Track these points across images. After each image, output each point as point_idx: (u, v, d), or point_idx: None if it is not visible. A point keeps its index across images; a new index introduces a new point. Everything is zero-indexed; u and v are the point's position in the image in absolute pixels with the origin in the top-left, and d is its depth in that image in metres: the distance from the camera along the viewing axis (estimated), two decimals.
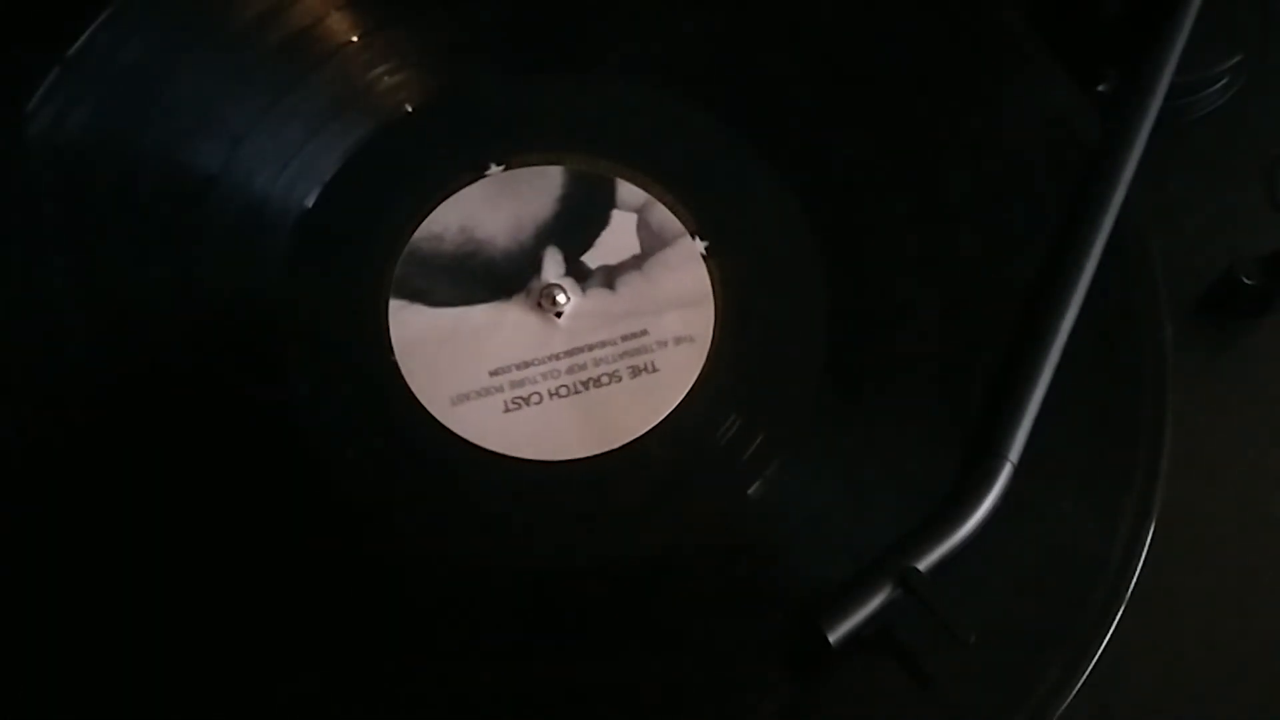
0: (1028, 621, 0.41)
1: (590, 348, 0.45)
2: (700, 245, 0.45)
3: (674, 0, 0.50)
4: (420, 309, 0.45)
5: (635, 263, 0.46)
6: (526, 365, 0.44)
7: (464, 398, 0.44)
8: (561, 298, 0.45)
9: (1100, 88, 0.50)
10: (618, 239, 0.46)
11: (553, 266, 0.46)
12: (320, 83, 0.47)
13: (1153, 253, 0.46)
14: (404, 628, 0.40)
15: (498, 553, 0.42)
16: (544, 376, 0.44)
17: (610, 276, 0.46)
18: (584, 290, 0.46)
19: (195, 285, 0.45)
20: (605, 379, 0.44)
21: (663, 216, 0.46)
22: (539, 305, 0.45)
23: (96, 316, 0.44)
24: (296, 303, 0.45)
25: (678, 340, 0.44)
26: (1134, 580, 0.41)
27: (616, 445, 0.43)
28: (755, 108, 0.48)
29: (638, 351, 0.45)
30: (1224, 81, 0.51)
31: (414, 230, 0.46)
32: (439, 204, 0.46)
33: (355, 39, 0.48)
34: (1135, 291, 0.45)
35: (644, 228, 0.46)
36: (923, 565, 0.40)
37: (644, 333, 0.45)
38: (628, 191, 0.47)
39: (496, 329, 0.45)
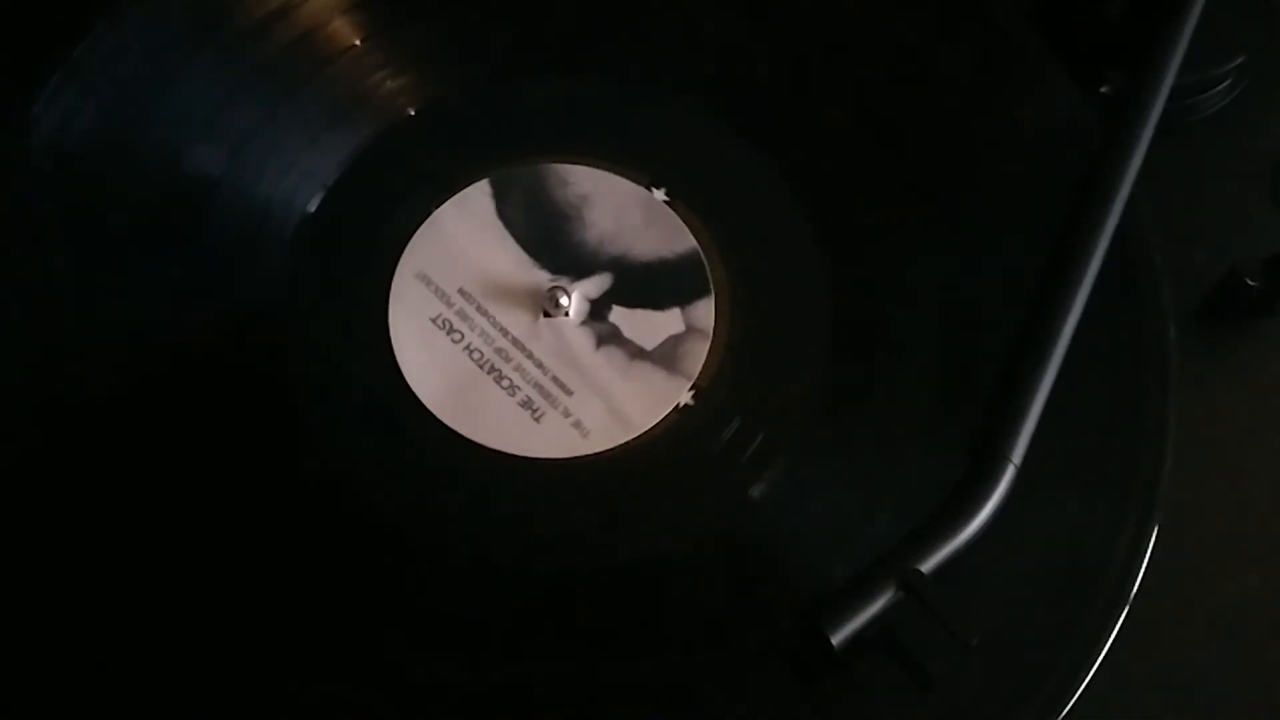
0: (1031, 623, 0.40)
1: (528, 355, 0.45)
2: (688, 396, 0.44)
3: (678, 4, 0.50)
4: (491, 209, 0.46)
5: (634, 352, 0.45)
6: (483, 313, 0.45)
7: (424, 278, 0.45)
8: (564, 301, 0.45)
9: (1103, 89, 0.50)
10: (649, 327, 0.45)
11: (590, 287, 0.46)
12: (323, 86, 0.47)
13: (1156, 254, 0.46)
14: (408, 628, 0.40)
15: (497, 554, 0.42)
16: (480, 334, 0.45)
17: (607, 339, 0.45)
18: (582, 323, 0.46)
19: (198, 289, 0.45)
20: (504, 382, 0.44)
21: (695, 352, 0.45)
22: (544, 297, 0.45)
23: (98, 320, 0.44)
24: (299, 306, 0.45)
25: (575, 424, 0.44)
26: (1137, 582, 0.41)
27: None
28: (757, 112, 0.48)
29: (547, 394, 0.44)
30: (1227, 83, 0.51)
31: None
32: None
33: (358, 43, 0.48)
34: (1138, 293, 0.45)
35: (674, 343, 0.45)
36: (925, 567, 0.40)
37: (568, 392, 0.44)
38: (703, 309, 0.46)
39: (505, 276, 0.45)
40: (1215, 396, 0.47)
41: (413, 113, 0.48)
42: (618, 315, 0.46)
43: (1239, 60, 0.51)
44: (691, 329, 0.45)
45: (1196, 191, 0.50)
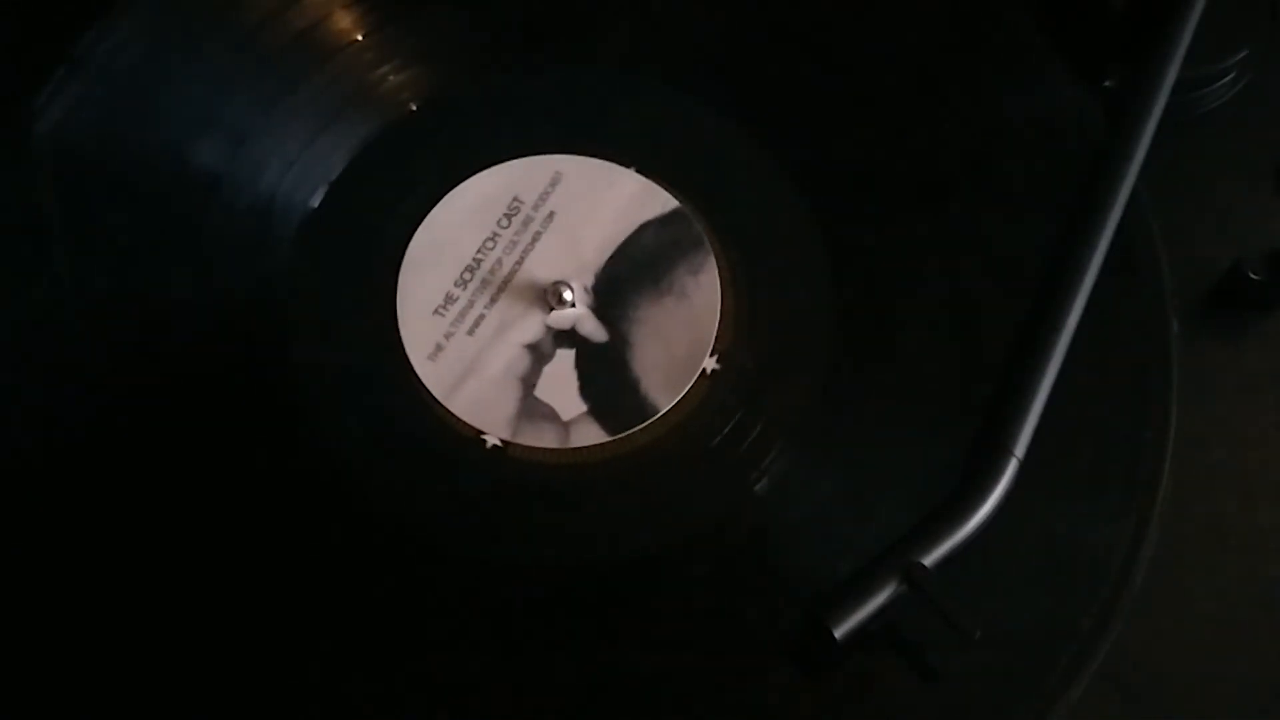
0: (1033, 617, 0.40)
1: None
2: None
3: (682, 2, 0.50)
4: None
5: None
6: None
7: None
8: (568, 294, 0.45)
9: (1106, 83, 0.50)
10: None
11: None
12: (325, 82, 0.47)
13: (1159, 248, 0.46)
14: (413, 625, 0.40)
15: (499, 549, 0.42)
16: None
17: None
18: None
19: (201, 284, 0.45)
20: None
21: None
22: (549, 287, 0.45)
23: (102, 315, 0.44)
24: (302, 301, 0.45)
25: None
26: (1140, 575, 0.41)
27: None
28: (761, 106, 0.48)
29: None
30: (1230, 76, 0.51)
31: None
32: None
33: (359, 38, 0.48)
34: (1141, 286, 0.45)
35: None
36: (928, 561, 0.40)
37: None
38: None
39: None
40: (1218, 390, 0.47)
41: (415, 108, 0.48)
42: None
43: (1242, 54, 0.51)
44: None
45: (1200, 185, 0.50)
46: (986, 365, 0.44)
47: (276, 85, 0.47)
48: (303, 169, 0.46)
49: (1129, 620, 0.40)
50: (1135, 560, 0.41)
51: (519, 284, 0.46)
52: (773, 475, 0.43)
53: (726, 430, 0.44)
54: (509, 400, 0.44)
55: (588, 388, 0.44)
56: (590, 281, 0.46)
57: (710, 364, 0.44)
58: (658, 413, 0.44)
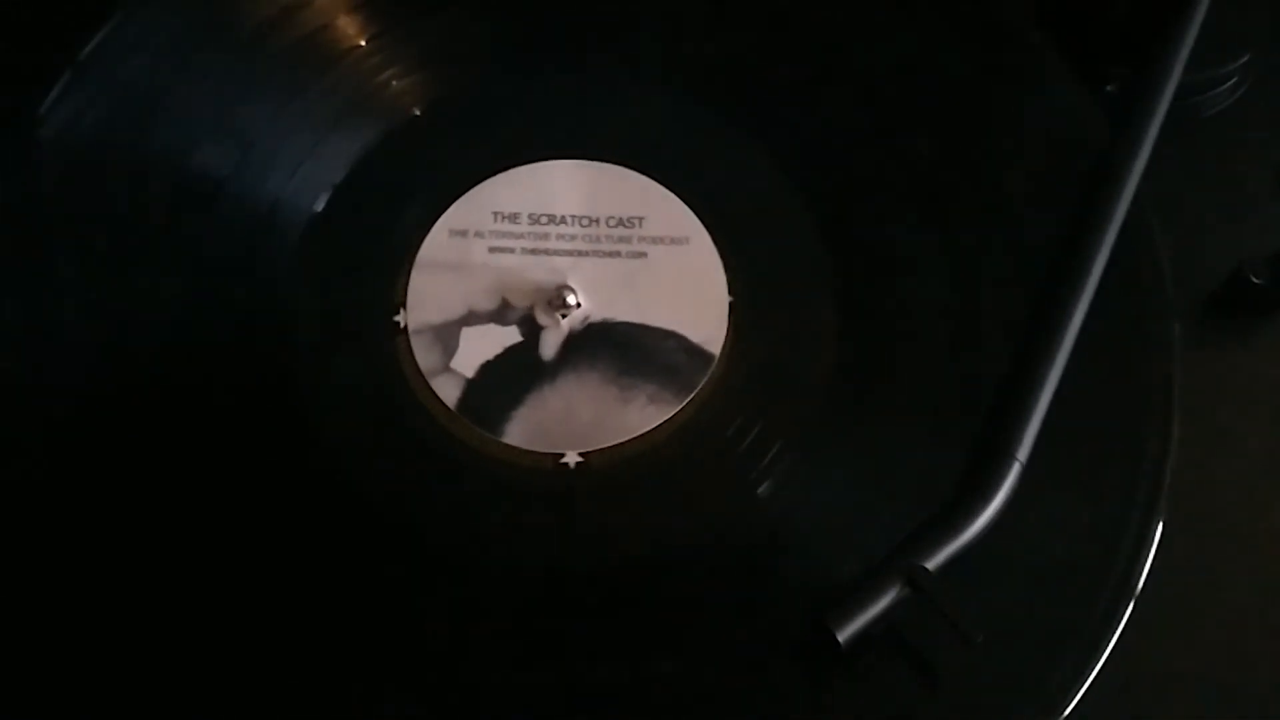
0: (1036, 620, 0.40)
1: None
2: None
3: (684, 5, 0.50)
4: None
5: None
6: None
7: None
8: (571, 299, 0.45)
9: (1109, 88, 0.50)
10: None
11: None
12: (329, 87, 0.47)
13: (1161, 252, 0.46)
14: (415, 626, 0.40)
15: (506, 553, 0.42)
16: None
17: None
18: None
19: (205, 288, 0.45)
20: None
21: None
22: (553, 292, 0.45)
23: (107, 318, 0.44)
24: (306, 306, 0.45)
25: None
26: (1142, 579, 0.41)
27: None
28: (763, 110, 0.49)
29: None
30: (1233, 81, 0.51)
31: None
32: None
33: (363, 43, 0.48)
34: (1144, 290, 0.45)
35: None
36: (931, 564, 0.40)
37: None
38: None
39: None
40: (1220, 394, 0.47)
41: (418, 113, 0.48)
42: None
43: (1244, 58, 0.51)
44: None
45: (1202, 190, 0.50)
46: (989, 369, 0.44)
47: (280, 91, 0.47)
48: (306, 174, 0.46)
49: (1132, 623, 0.40)
50: (1137, 563, 0.41)
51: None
52: (776, 479, 0.43)
53: (730, 434, 0.44)
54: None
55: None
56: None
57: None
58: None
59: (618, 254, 0.47)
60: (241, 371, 0.44)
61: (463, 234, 0.46)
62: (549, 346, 0.45)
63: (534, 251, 0.46)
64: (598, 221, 0.47)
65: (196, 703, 0.39)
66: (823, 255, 0.46)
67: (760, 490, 0.43)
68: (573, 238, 0.47)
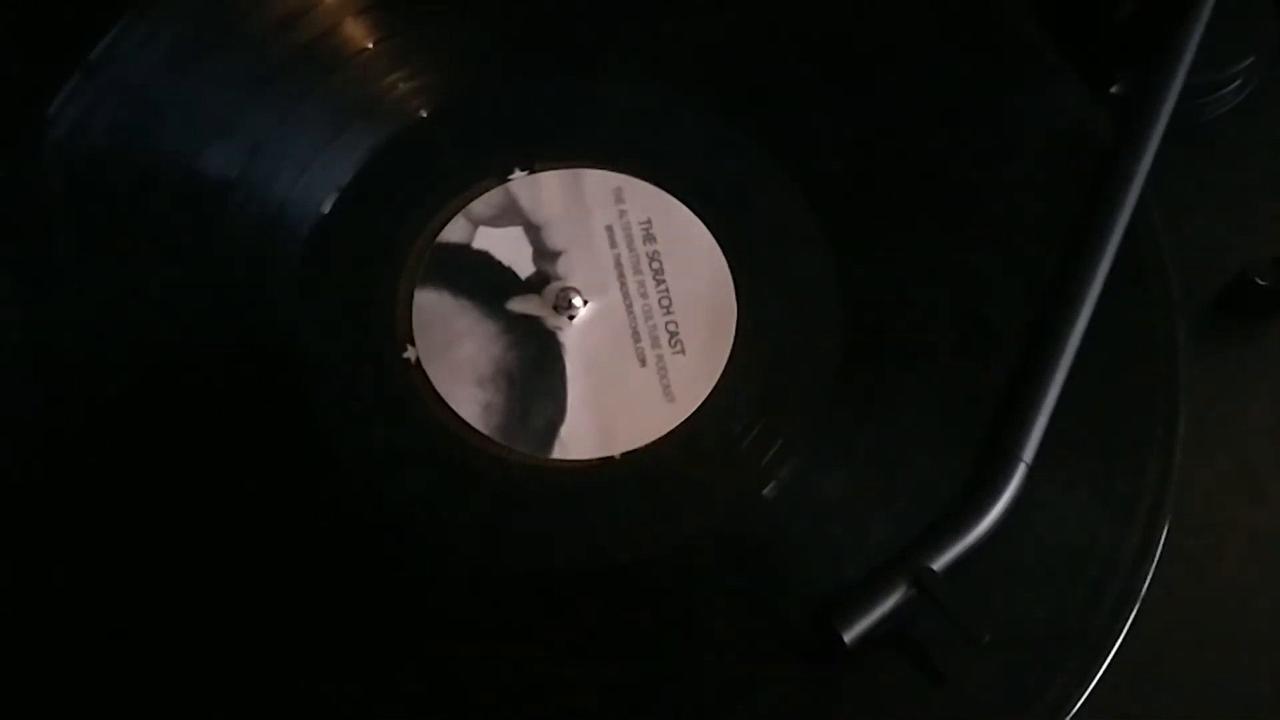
0: (1042, 621, 0.41)
1: (619, 268, 0.46)
2: (521, 173, 0.46)
3: (689, 6, 0.50)
4: (565, 430, 0.45)
5: (530, 231, 0.47)
6: (637, 331, 0.46)
7: (667, 386, 0.45)
8: (576, 300, 0.45)
9: (1113, 89, 0.51)
10: (506, 246, 0.46)
11: (530, 304, 0.46)
12: (336, 89, 0.47)
13: (1166, 254, 0.46)
14: (420, 629, 0.41)
15: (511, 553, 0.42)
16: (649, 314, 0.46)
17: (545, 253, 0.46)
18: (562, 276, 0.46)
19: (212, 289, 0.45)
20: (655, 265, 0.46)
21: (486, 202, 0.47)
22: (571, 318, 0.45)
23: (114, 321, 0.44)
24: (313, 307, 0.45)
25: (615, 196, 0.46)
26: (1148, 579, 0.41)
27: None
28: (767, 112, 0.49)
29: (626, 233, 0.46)
30: (1237, 83, 0.51)
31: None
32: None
33: (371, 45, 0.48)
34: (1149, 292, 0.45)
35: (496, 221, 0.47)
36: (937, 565, 0.40)
37: (608, 228, 0.46)
38: (457, 229, 0.47)
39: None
40: (1225, 396, 0.47)
41: (425, 115, 0.48)
42: (607, 255, 0.46)
43: (1249, 60, 0.51)
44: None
45: (1207, 192, 0.50)
46: (995, 371, 0.44)
47: (288, 92, 0.47)
48: (314, 175, 0.46)
49: (1137, 625, 0.40)
50: (1143, 564, 0.41)
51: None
52: (781, 479, 0.43)
53: (735, 434, 0.44)
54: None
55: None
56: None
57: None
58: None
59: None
60: (247, 372, 0.44)
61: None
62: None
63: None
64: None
65: (197, 702, 0.39)
66: (828, 256, 0.46)
67: (765, 491, 0.43)
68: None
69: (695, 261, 0.46)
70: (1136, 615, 0.40)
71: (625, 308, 0.46)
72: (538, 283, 0.46)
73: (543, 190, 0.47)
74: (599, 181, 0.47)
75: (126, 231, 0.45)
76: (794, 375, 0.45)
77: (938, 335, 0.45)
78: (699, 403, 0.44)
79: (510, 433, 0.44)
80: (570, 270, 0.46)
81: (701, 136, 0.48)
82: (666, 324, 0.45)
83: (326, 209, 0.46)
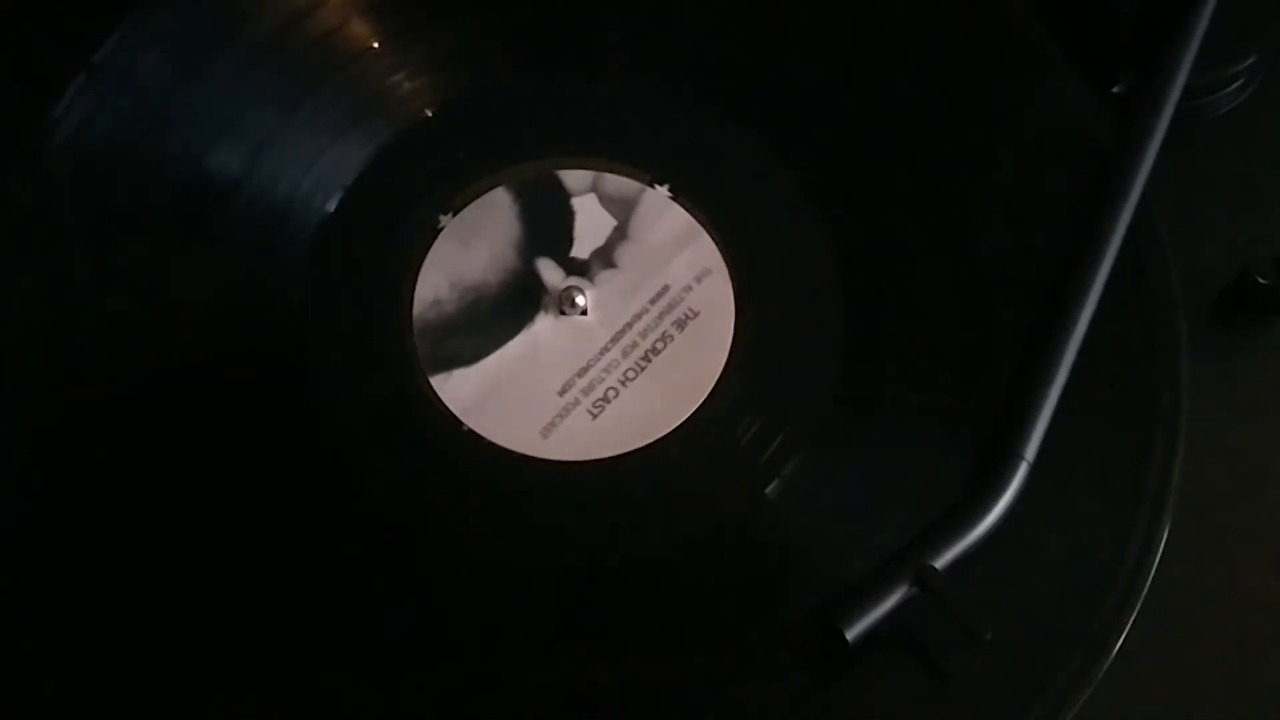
0: (1044, 619, 0.41)
1: (630, 325, 0.45)
2: (664, 191, 0.46)
3: (695, 8, 0.50)
4: (462, 373, 0.45)
5: (619, 234, 0.47)
6: (586, 370, 0.45)
7: (551, 427, 0.44)
8: (580, 299, 0.45)
9: (1115, 89, 0.51)
10: (591, 222, 0.47)
11: (552, 274, 0.46)
12: (342, 88, 0.48)
13: (1167, 253, 0.46)
14: (429, 628, 0.41)
15: (509, 552, 0.42)
16: (607, 371, 0.45)
17: (606, 257, 0.46)
18: (592, 281, 0.46)
19: (217, 289, 0.45)
20: (659, 344, 0.45)
21: (616, 184, 0.47)
22: (562, 313, 0.45)
23: (119, 319, 0.44)
24: (318, 307, 0.45)
25: (698, 277, 0.45)
26: (1149, 578, 0.41)
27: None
28: (770, 111, 0.49)
29: (671, 306, 0.45)
30: (1239, 82, 0.51)
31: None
32: (423, 264, 0.46)
33: (376, 44, 0.48)
34: (1150, 291, 0.45)
35: (606, 201, 0.47)
36: (939, 563, 0.40)
37: (665, 288, 0.46)
38: (573, 178, 0.47)
39: (538, 353, 0.45)
40: (1227, 394, 0.47)
41: (430, 114, 0.48)
42: (579, 249, 0.46)
43: (1250, 60, 0.51)
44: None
45: (1208, 191, 0.50)
46: (996, 369, 0.44)
47: (293, 92, 0.47)
48: (319, 174, 0.46)
49: (1139, 623, 0.40)
50: (1145, 563, 0.41)
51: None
52: (784, 478, 0.43)
53: (737, 433, 0.44)
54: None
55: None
56: (588, 276, 0.46)
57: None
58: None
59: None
60: (252, 371, 0.44)
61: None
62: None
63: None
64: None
65: (197, 700, 0.39)
66: (830, 255, 0.46)
67: (768, 490, 0.43)
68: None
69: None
70: (1138, 614, 0.40)
71: (620, 281, 0.46)
72: (576, 268, 0.46)
73: (662, 215, 0.47)
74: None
75: (132, 231, 0.45)
76: (796, 373, 0.45)
77: (939, 333, 0.45)
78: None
79: (427, 338, 0.44)
80: (603, 286, 0.46)
81: (706, 138, 0.48)
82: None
83: (331, 208, 0.46)
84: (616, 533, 0.42)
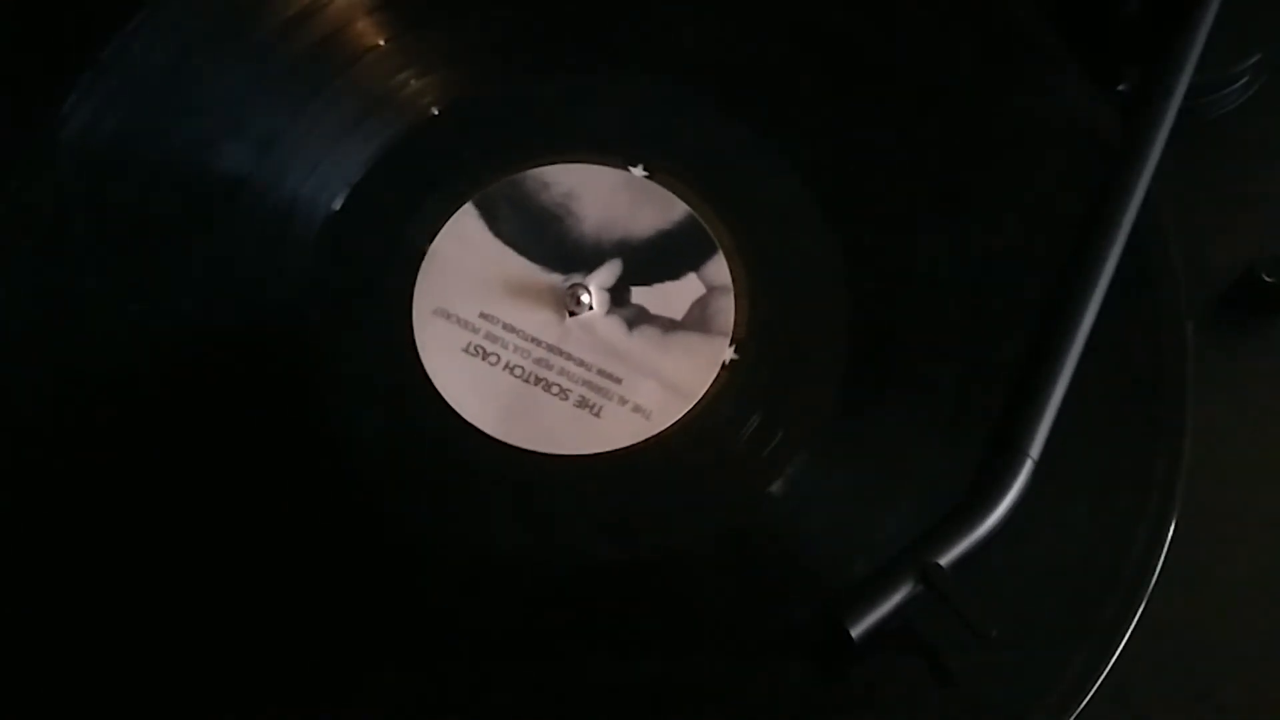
0: (1049, 618, 0.41)
1: (567, 357, 0.45)
2: (731, 352, 0.45)
3: (703, 7, 0.50)
4: (484, 229, 0.45)
5: (667, 326, 0.46)
6: (511, 329, 0.45)
7: (443, 313, 0.45)
8: (585, 298, 0.45)
9: (1120, 87, 0.51)
10: (674, 297, 0.46)
11: (605, 275, 0.46)
12: (348, 86, 0.48)
13: (1172, 251, 0.46)
14: (433, 626, 0.41)
15: (511, 549, 0.42)
16: (515, 350, 0.45)
17: (637, 319, 0.46)
18: (608, 312, 0.46)
19: (223, 286, 0.45)
20: (555, 390, 0.45)
21: (724, 309, 0.46)
22: (564, 297, 0.46)
23: (126, 317, 0.44)
24: (323, 304, 0.45)
25: (635, 409, 0.44)
26: (1154, 576, 0.41)
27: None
28: (775, 111, 0.49)
29: (598, 390, 0.45)
30: (1244, 80, 0.51)
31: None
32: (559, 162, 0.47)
33: (382, 43, 0.48)
34: (1155, 289, 0.45)
35: (701, 306, 0.46)
36: (944, 561, 0.40)
37: (618, 381, 0.45)
38: (717, 267, 0.47)
39: (519, 288, 0.46)
40: (1232, 393, 0.47)
41: (436, 112, 0.48)
42: (639, 295, 0.46)
43: (1255, 58, 0.51)
44: (712, 288, 0.46)
45: (1214, 188, 0.50)
46: (1001, 366, 0.44)
47: (300, 90, 0.47)
48: (325, 172, 0.47)
49: (1144, 622, 0.40)
50: (1150, 561, 0.41)
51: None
52: (788, 476, 0.43)
53: (741, 431, 0.44)
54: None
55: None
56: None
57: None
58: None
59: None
60: (258, 368, 0.44)
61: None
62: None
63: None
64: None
65: (197, 698, 0.39)
66: (834, 252, 0.46)
67: (772, 488, 0.43)
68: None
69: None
70: (1142, 613, 0.40)
71: (630, 289, 0.46)
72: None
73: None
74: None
75: (138, 229, 0.45)
76: (800, 372, 0.45)
77: (945, 332, 0.45)
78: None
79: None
80: (566, 267, 0.46)
81: (710, 133, 0.48)
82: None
83: (337, 206, 0.46)
84: (618, 529, 0.43)
